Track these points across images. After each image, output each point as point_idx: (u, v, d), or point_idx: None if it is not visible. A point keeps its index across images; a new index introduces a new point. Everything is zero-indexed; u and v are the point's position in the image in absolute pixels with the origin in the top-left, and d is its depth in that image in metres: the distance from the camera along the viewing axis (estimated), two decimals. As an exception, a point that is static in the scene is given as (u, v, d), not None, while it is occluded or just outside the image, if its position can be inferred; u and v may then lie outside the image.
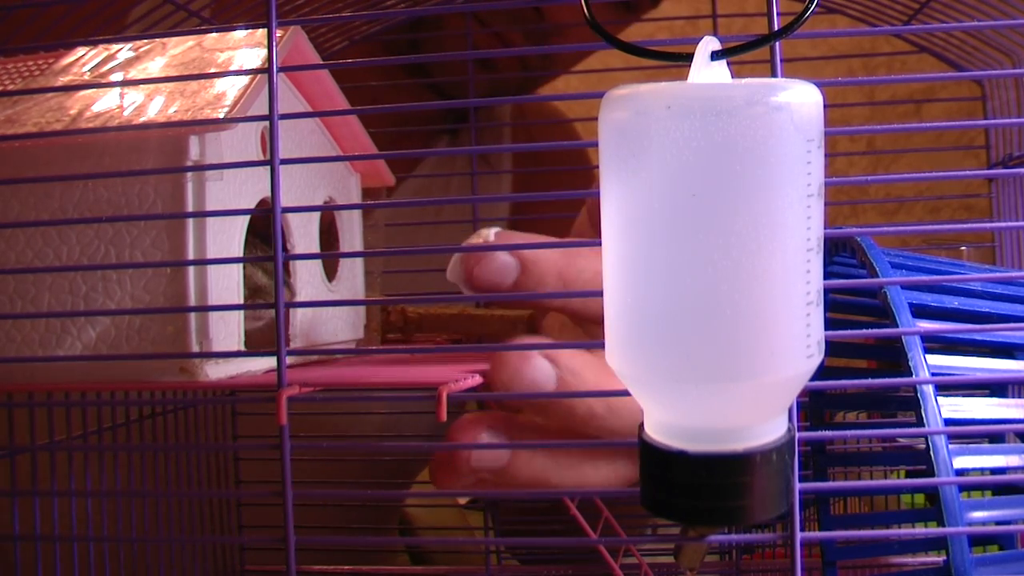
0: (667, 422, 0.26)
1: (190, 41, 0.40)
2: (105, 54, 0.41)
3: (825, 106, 0.24)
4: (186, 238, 0.35)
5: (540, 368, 0.34)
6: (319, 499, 0.36)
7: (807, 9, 0.25)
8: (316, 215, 0.45)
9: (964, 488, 0.33)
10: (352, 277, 0.49)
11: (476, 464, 0.35)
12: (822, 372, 0.26)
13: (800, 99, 0.23)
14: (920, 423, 0.33)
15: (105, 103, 0.37)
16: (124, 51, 0.41)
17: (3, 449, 0.41)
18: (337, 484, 0.66)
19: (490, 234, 0.38)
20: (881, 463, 0.61)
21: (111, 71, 0.40)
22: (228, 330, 0.36)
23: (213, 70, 0.37)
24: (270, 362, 0.37)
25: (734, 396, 0.24)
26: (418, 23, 0.69)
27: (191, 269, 0.35)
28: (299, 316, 0.42)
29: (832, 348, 0.27)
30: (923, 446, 0.33)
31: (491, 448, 0.36)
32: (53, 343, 0.36)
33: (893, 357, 0.38)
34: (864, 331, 0.35)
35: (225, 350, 0.35)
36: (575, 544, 0.39)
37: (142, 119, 0.35)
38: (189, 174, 0.35)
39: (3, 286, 0.36)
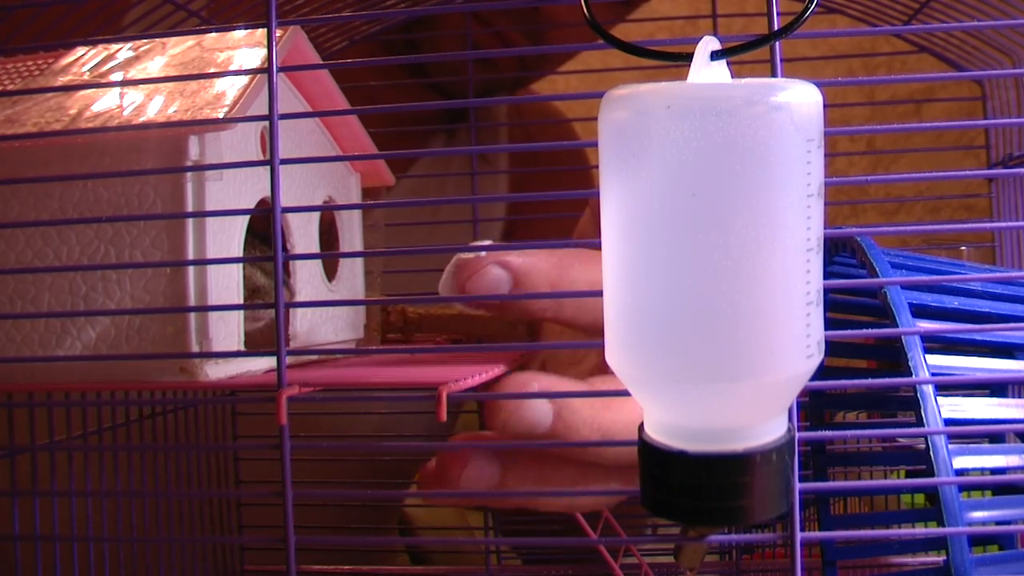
0: (667, 422, 0.26)
1: (190, 41, 0.40)
2: (105, 54, 0.41)
3: (825, 106, 0.24)
4: (186, 238, 0.35)
5: (538, 408, 0.34)
6: (319, 499, 0.36)
7: (807, 9, 0.25)
8: (316, 215, 0.45)
9: (964, 488, 0.33)
10: (352, 277, 0.49)
11: (465, 487, 0.35)
12: (822, 372, 0.26)
13: (800, 99, 0.23)
14: (920, 423, 0.33)
15: (105, 103, 0.37)
16: (124, 51, 0.41)
17: (3, 449, 0.41)
18: (337, 484, 0.66)
19: (482, 251, 0.38)
20: (881, 463, 0.61)
21: (111, 71, 0.40)
22: (228, 330, 0.36)
23: (213, 70, 0.37)
24: (270, 362, 0.37)
25: (734, 396, 0.24)
26: (415, 22, 0.69)
27: (191, 269, 0.35)
28: (299, 316, 0.42)
29: (832, 348, 0.27)
30: (923, 446, 0.33)
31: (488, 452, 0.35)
32: (53, 343, 0.36)
33: (893, 357, 0.38)
34: (864, 331, 0.35)
35: (225, 350, 0.35)
36: (575, 544, 0.39)
37: (142, 119, 0.35)
38: (189, 174, 0.35)
39: (3, 286, 0.36)
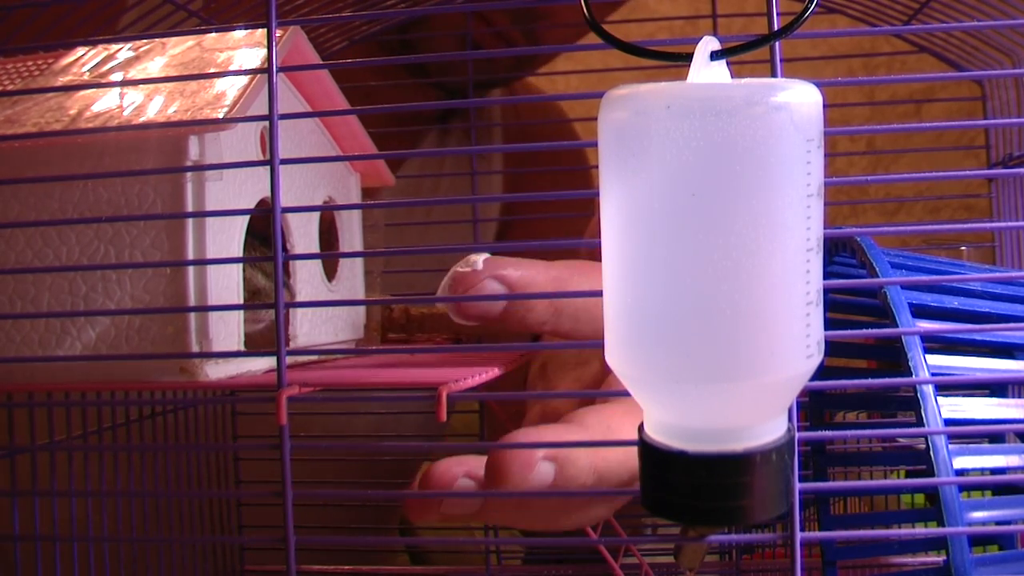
0: (667, 422, 0.26)
1: (190, 41, 0.40)
2: (105, 54, 0.41)
3: (825, 106, 0.24)
4: (186, 238, 0.35)
5: (542, 474, 0.33)
6: (319, 499, 0.36)
7: (807, 9, 0.25)
8: (316, 215, 0.45)
9: (964, 488, 0.33)
10: (352, 277, 0.49)
11: (447, 511, 0.34)
12: (822, 372, 0.26)
13: (800, 99, 0.23)
14: (920, 423, 0.33)
15: (105, 103, 0.37)
16: (124, 51, 0.41)
17: (3, 449, 0.41)
18: (337, 484, 0.66)
19: (479, 261, 0.37)
20: (881, 463, 0.61)
21: (111, 71, 0.40)
22: (228, 330, 0.36)
23: (213, 70, 0.37)
24: (270, 362, 0.37)
25: (734, 396, 0.24)
26: (410, 21, 0.69)
27: (191, 269, 0.35)
28: (299, 316, 0.42)
29: (832, 348, 0.27)
30: (923, 446, 0.33)
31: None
32: (53, 343, 0.36)
33: (893, 357, 0.38)
34: (864, 331, 0.35)
35: (225, 350, 0.35)
36: (575, 544, 0.39)
37: (142, 119, 0.35)
38: (189, 174, 0.35)
39: (3, 286, 0.36)
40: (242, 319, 0.37)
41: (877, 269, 0.38)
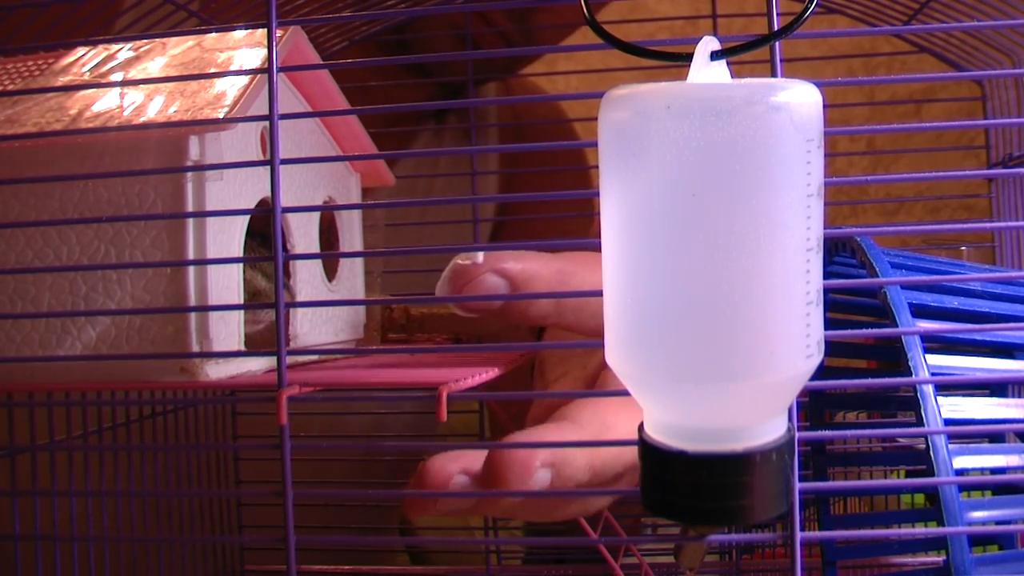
0: (667, 422, 0.26)
1: (190, 41, 0.40)
2: (105, 54, 0.41)
3: (825, 106, 0.24)
4: (186, 238, 0.35)
5: (539, 478, 0.33)
6: (319, 499, 0.36)
7: (807, 9, 0.25)
8: (316, 215, 0.45)
9: (964, 488, 0.33)
10: (352, 277, 0.49)
11: (443, 508, 0.34)
12: (822, 372, 0.26)
13: (800, 99, 0.23)
14: (920, 423, 0.33)
15: (105, 103, 0.37)
16: (124, 51, 0.41)
17: (3, 449, 0.41)
18: (337, 484, 0.66)
19: (480, 254, 0.37)
20: (881, 463, 0.61)
21: (111, 71, 0.40)
22: (228, 330, 0.36)
23: (213, 70, 0.37)
24: (270, 362, 0.37)
25: (734, 396, 0.24)
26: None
27: (191, 269, 0.35)
28: (299, 316, 0.42)
29: (832, 348, 0.27)
30: (923, 446, 0.33)
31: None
32: (53, 343, 0.36)
33: (893, 357, 0.38)
34: (864, 331, 0.35)
35: (225, 350, 0.35)
36: (575, 544, 0.39)
37: (142, 119, 0.35)
38: (189, 174, 0.35)
39: (3, 286, 0.36)
40: (242, 319, 0.37)
41: (877, 269, 0.38)
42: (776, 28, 0.28)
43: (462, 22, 0.68)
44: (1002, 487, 0.37)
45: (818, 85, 0.24)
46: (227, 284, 0.36)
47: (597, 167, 0.25)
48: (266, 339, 0.40)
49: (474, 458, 0.34)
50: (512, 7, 0.71)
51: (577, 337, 0.44)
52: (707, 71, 0.25)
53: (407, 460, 0.78)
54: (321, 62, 0.45)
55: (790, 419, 0.27)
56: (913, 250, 0.49)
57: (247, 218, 0.38)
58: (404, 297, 0.52)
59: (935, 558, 0.55)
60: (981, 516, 0.32)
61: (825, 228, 0.25)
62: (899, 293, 0.36)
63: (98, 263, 0.36)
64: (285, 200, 0.35)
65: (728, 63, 0.25)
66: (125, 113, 0.36)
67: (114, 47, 0.41)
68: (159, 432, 0.53)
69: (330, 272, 0.47)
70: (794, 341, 0.24)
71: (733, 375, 0.24)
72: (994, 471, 0.35)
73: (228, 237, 0.37)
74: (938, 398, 0.33)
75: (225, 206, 0.36)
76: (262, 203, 0.39)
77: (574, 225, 0.73)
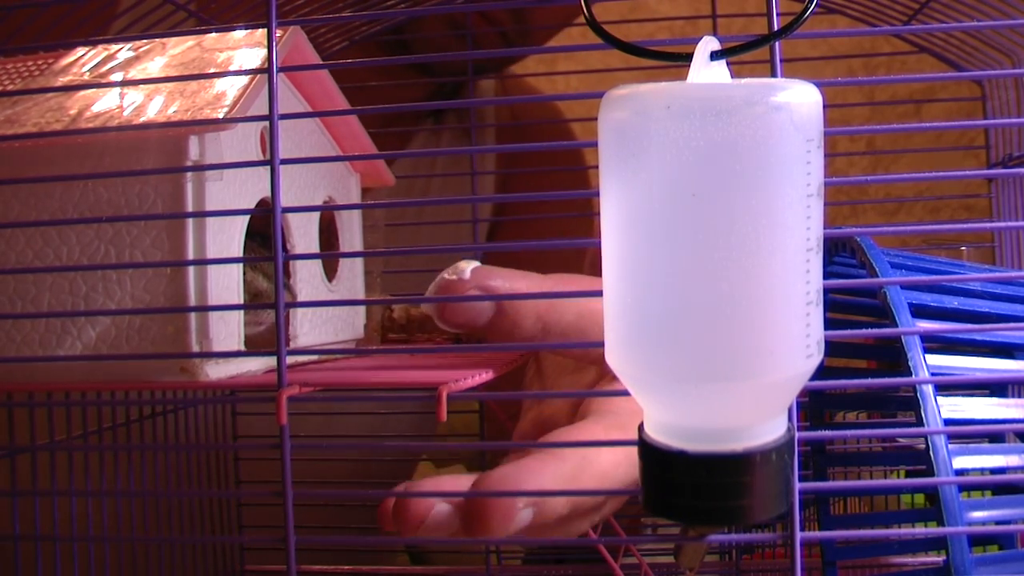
0: (667, 422, 0.26)
1: (190, 41, 0.40)
2: (105, 54, 0.41)
3: (825, 106, 0.24)
4: (186, 238, 0.35)
5: (522, 518, 0.33)
6: (319, 499, 0.36)
7: (807, 9, 0.25)
8: (316, 215, 0.45)
9: (964, 488, 0.33)
10: (352, 277, 0.49)
11: (426, 534, 0.34)
12: (822, 372, 0.26)
13: (800, 99, 0.23)
14: (920, 423, 0.33)
15: (105, 103, 0.37)
16: (124, 51, 0.41)
17: (3, 449, 0.41)
18: (337, 484, 0.66)
19: (467, 270, 0.37)
20: (881, 463, 0.61)
21: (111, 71, 0.40)
22: (228, 330, 0.36)
23: (213, 70, 0.37)
24: (270, 362, 0.37)
25: (734, 396, 0.24)
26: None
27: (191, 269, 0.35)
28: (299, 316, 0.42)
29: (832, 348, 0.27)
30: (923, 446, 0.33)
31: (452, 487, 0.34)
32: (53, 343, 0.36)
33: (893, 357, 0.38)
34: (864, 331, 0.35)
35: (225, 350, 0.35)
36: (575, 544, 0.39)
37: (142, 119, 0.35)
38: (189, 174, 0.35)
39: (3, 286, 0.36)
40: (242, 319, 0.37)
41: (877, 269, 0.38)
42: (776, 28, 0.28)
43: (460, 18, 0.68)
44: (1002, 487, 0.37)
45: (818, 85, 0.24)
46: (227, 284, 0.36)
47: (595, 167, 0.25)
48: (267, 340, 0.40)
49: (454, 485, 0.34)
50: (512, 7, 0.71)
51: (566, 363, 0.44)
52: (707, 71, 0.25)
53: (407, 460, 0.78)
54: (321, 62, 0.45)
55: (790, 419, 0.27)
56: (913, 250, 0.49)
57: (247, 218, 0.38)
58: (404, 297, 0.52)
59: (935, 558, 0.55)
60: (981, 516, 0.32)
61: (825, 228, 0.25)
62: (899, 293, 0.36)
63: (98, 263, 0.36)
64: (285, 200, 0.35)
65: (728, 63, 0.25)
66: (125, 113, 0.36)
67: (114, 47, 0.41)
68: (159, 432, 0.53)
69: (330, 272, 0.47)
70: (794, 341, 0.24)
71: (733, 375, 0.24)
72: (994, 471, 0.35)
73: (228, 237, 0.37)
74: (938, 398, 0.33)
75: (225, 206, 0.36)
76: (262, 203, 0.39)
77: (572, 225, 0.73)
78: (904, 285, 0.37)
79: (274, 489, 0.32)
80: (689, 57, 0.25)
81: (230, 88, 0.35)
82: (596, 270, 0.26)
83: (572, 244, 0.32)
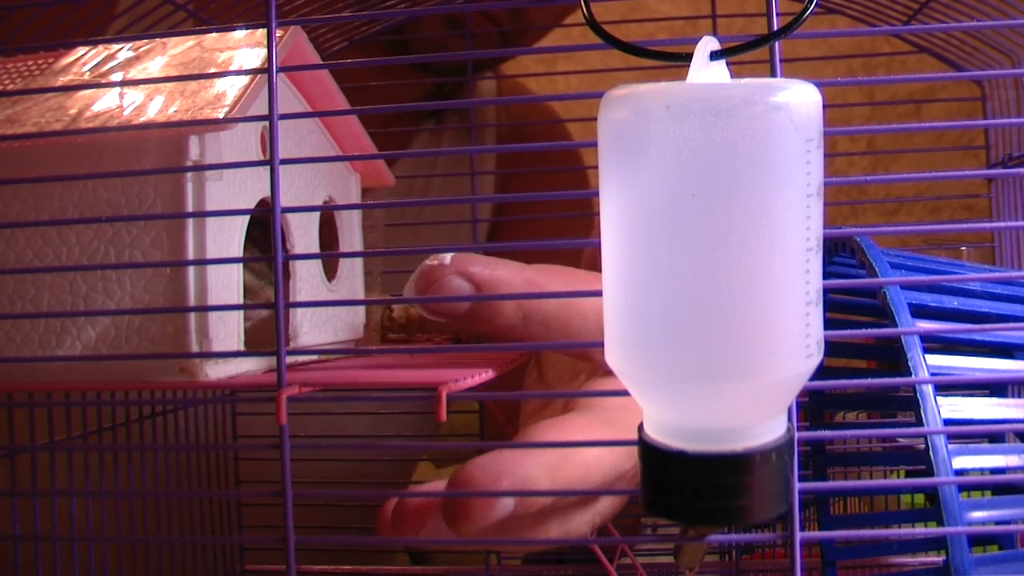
0: (667, 422, 0.26)
1: (190, 41, 0.40)
2: (105, 54, 0.41)
3: (825, 106, 0.24)
4: (186, 238, 0.35)
5: (504, 507, 0.33)
6: (319, 499, 0.36)
7: (807, 9, 0.25)
8: (316, 215, 0.45)
9: (964, 488, 0.33)
10: (352, 277, 0.49)
11: (427, 535, 0.34)
12: (822, 372, 0.26)
13: (799, 99, 0.23)
14: (920, 423, 0.33)
15: (105, 103, 0.37)
16: (124, 51, 0.41)
17: (3, 449, 0.41)
18: (337, 484, 0.66)
19: (447, 256, 0.37)
20: (881, 463, 0.61)
21: (111, 71, 0.40)
22: (228, 330, 0.36)
23: (213, 70, 0.37)
24: (269, 362, 0.37)
25: (733, 396, 0.24)
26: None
27: (191, 269, 0.35)
28: (299, 316, 0.42)
29: (832, 348, 0.27)
30: (923, 446, 0.33)
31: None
32: (53, 343, 0.36)
33: (893, 357, 0.38)
34: (864, 331, 0.35)
35: (225, 350, 0.35)
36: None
37: (142, 119, 0.35)
38: (189, 174, 0.35)
39: (3, 286, 0.36)
40: (242, 319, 0.37)
41: (877, 269, 0.38)
42: (776, 28, 0.28)
43: (460, 16, 0.68)
44: (1002, 487, 0.37)
45: (818, 85, 0.24)
46: (227, 284, 0.36)
47: (594, 167, 0.25)
48: (262, 337, 0.40)
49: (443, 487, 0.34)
50: (511, 7, 0.71)
51: (566, 367, 0.44)
52: (707, 71, 0.25)
53: (407, 460, 0.78)
54: (321, 62, 0.45)
55: (790, 419, 0.27)
56: (913, 250, 0.49)
57: (247, 218, 0.38)
58: (403, 297, 0.52)
59: (935, 558, 0.55)
60: (981, 516, 0.32)
61: (825, 228, 0.25)
62: (899, 293, 0.36)
63: (98, 263, 0.36)
64: (285, 200, 0.35)
65: (728, 63, 0.25)
66: (125, 113, 0.36)
67: (114, 47, 0.41)
68: (159, 432, 0.53)
69: (330, 272, 0.47)
70: (794, 341, 0.24)
71: (733, 375, 0.24)
72: (994, 471, 0.35)
73: (228, 237, 0.37)
74: (938, 398, 0.33)
75: (225, 206, 0.36)
76: (262, 203, 0.39)
77: (572, 225, 0.73)
78: (904, 285, 0.37)
79: (274, 489, 0.32)
80: (689, 57, 0.25)
81: (230, 88, 0.35)
82: (594, 266, 0.26)
83: (572, 244, 0.32)
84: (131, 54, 0.40)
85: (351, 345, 0.47)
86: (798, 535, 0.30)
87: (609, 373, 0.39)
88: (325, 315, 0.45)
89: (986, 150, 0.62)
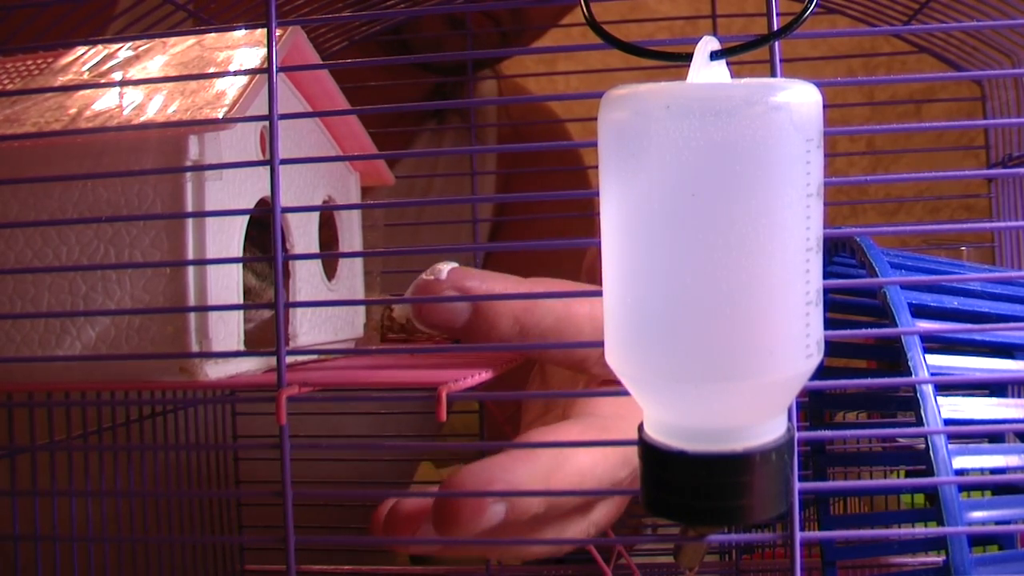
0: (667, 422, 0.26)
1: (190, 40, 0.40)
2: (105, 53, 0.41)
3: (825, 106, 0.24)
4: (185, 238, 0.35)
5: (494, 513, 0.33)
6: (319, 499, 0.36)
7: (807, 9, 0.25)
8: (316, 215, 0.45)
9: (964, 488, 0.33)
10: (352, 277, 0.49)
11: (414, 552, 0.34)
12: (822, 372, 0.26)
13: (799, 99, 0.23)
14: (920, 423, 0.33)
15: (105, 103, 0.37)
16: (124, 50, 0.41)
17: (3, 449, 0.41)
18: (337, 484, 0.66)
19: (444, 270, 0.37)
20: (881, 463, 0.61)
21: (111, 70, 0.40)
22: (228, 330, 0.36)
23: (213, 70, 0.37)
24: (269, 362, 0.37)
25: (733, 396, 0.24)
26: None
27: (191, 269, 0.35)
28: (299, 316, 0.42)
29: (832, 348, 0.27)
30: (923, 446, 0.33)
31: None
32: (53, 343, 0.36)
33: (893, 357, 0.38)
34: (864, 331, 0.35)
35: (225, 350, 0.35)
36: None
37: (142, 119, 0.35)
38: (188, 174, 0.35)
39: (3, 286, 0.36)
40: (242, 319, 0.37)
41: (877, 269, 0.38)
42: (776, 28, 0.28)
43: (460, 15, 0.68)
44: (1002, 487, 0.37)
45: (818, 85, 0.24)
46: (227, 284, 0.36)
47: (595, 167, 0.25)
48: (261, 337, 0.40)
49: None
50: (514, 7, 0.71)
51: (568, 380, 0.43)
52: (707, 71, 0.25)
53: (407, 460, 0.78)
54: (321, 62, 0.45)
55: (790, 419, 0.27)
56: (913, 250, 0.49)
57: (246, 218, 0.38)
58: (403, 297, 0.52)
59: (935, 558, 0.55)
60: (981, 516, 0.32)
61: (825, 228, 0.25)
62: (899, 293, 0.36)
63: (98, 263, 0.36)
64: (285, 200, 0.35)
65: (728, 63, 0.25)
66: (125, 113, 0.36)
67: (114, 46, 0.41)
68: (159, 432, 0.53)
69: (329, 272, 0.47)
70: (794, 341, 0.24)
71: (733, 375, 0.24)
72: (994, 471, 0.35)
73: (227, 237, 0.37)
74: (938, 398, 0.33)
75: (225, 206, 0.36)
76: (261, 203, 0.39)
77: (572, 225, 0.73)
78: (904, 285, 0.37)
79: (274, 489, 0.32)
80: (689, 57, 0.25)
81: (230, 88, 0.35)
82: (594, 274, 0.26)
83: (572, 244, 0.32)
84: (131, 54, 0.40)
85: (351, 345, 0.47)
86: (798, 535, 0.30)
87: (606, 383, 0.39)
88: (325, 315, 0.45)
89: (986, 150, 0.62)
